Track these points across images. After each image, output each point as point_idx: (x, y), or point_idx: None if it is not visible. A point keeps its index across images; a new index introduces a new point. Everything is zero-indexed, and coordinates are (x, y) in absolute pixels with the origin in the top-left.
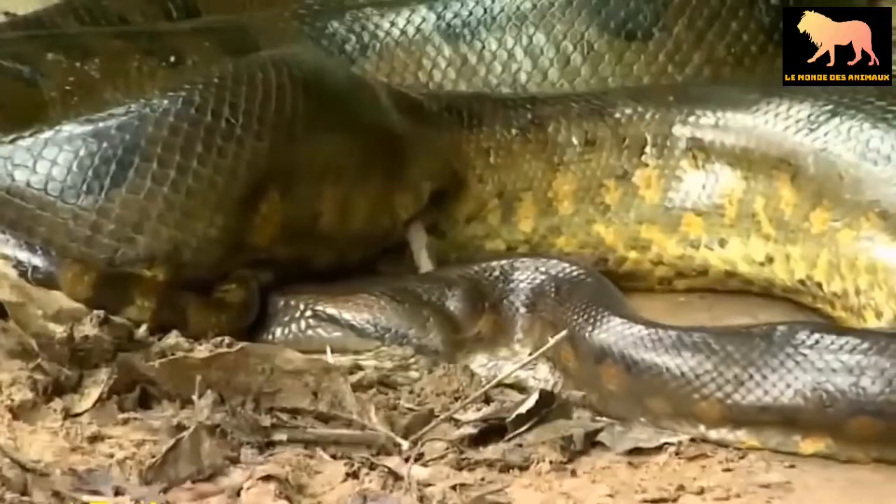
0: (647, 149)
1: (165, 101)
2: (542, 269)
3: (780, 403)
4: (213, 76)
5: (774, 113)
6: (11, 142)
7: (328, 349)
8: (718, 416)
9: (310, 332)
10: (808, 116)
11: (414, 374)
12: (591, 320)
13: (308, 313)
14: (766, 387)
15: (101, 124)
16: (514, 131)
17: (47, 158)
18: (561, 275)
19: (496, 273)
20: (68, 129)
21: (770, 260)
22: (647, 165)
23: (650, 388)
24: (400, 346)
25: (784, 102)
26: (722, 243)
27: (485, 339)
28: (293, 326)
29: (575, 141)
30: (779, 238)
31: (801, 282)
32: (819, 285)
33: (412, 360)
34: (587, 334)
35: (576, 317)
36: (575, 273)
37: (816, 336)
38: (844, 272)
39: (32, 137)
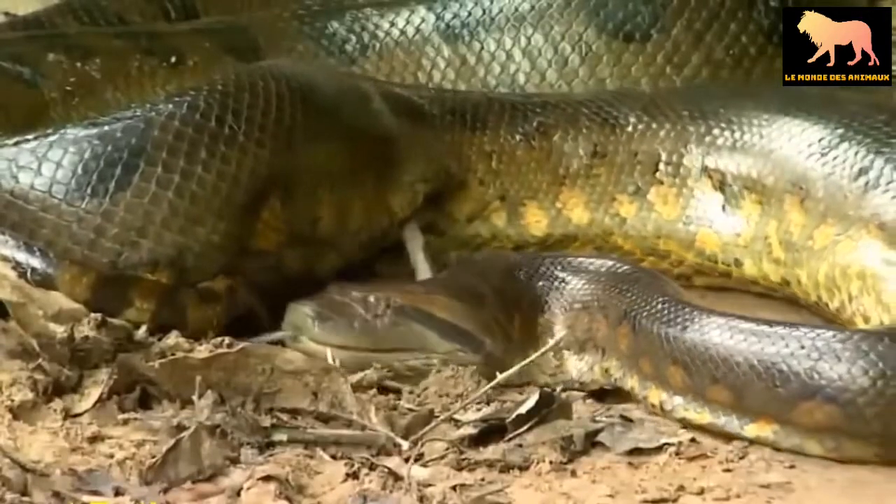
0: (661, 166)
1: (170, 106)
2: (557, 265)
3: (731, 378)
4: (216, 83)
5: (788, 137)
6: (16, 144)
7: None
8: (681, 384)
9: (393, 327)
10: (820, 140)
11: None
12: (619, 291)
13: (391, 309)
14: (721, 360)
15: (106, 127)
16: (517, 137)
17: (52, 161)
18: (578, 266)
19: (512, 274)
20: (73, 131)
21: (787, 283)
22: (661, 183)
23: (642, 348)
24: (475, 353)
25: (797, 124)
26: (738, 263)
27: (515, 343)
28: (378, 322)
29: (582, 152)
30: (787, 261)
31: (816, 303)
32: (826, 305)
33: (476, 368)
34: (617, 303)
35: (606, 292)
36: (590, 262)
37: (785, 324)
38: (840, 283)
39: (37, 140)
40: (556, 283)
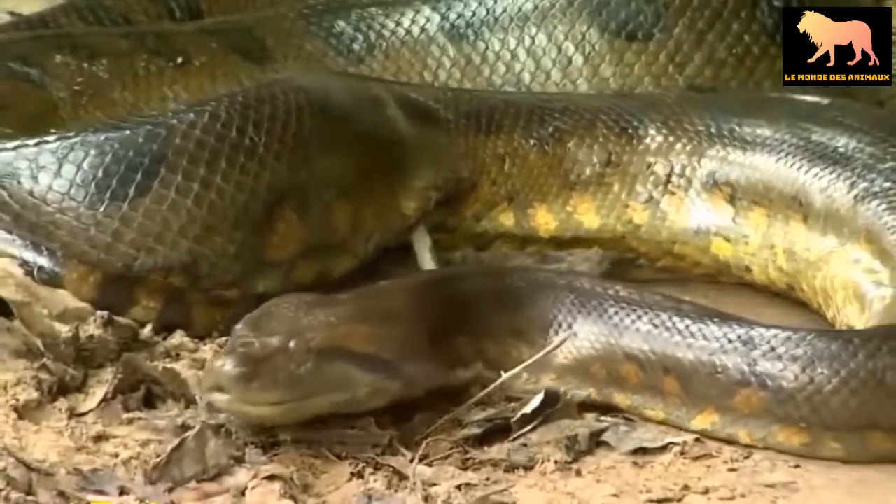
0: (674, 178)
1: (192, 115)
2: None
3: (680, 368)
4: (236, 95)
5: (795, 154)
6: (37, 144)
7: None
8: (636, 381)
9: (317, 372)
10: (822, 157)
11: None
12: (550, 304)
13: (312, 353)
14: (670, 351)
15: (127, 132)
16: (532, 142)
17: (73, 163)
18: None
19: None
20: (95, 135)
21: (792, 288)
22: (674, 194)
23: (591, 357)
24: (394, 379)
25: (803, 142)
26: (748, 270)
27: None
28: (302, 370)
29: (596, 160)
30: (789, 271)
31: (818, 310)
32: (825, 314)
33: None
34: (548, 316)
35: (536, 309)
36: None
37: (733, 318)
38: (830, 293)
39: (59, 141)
40: (496, 303)
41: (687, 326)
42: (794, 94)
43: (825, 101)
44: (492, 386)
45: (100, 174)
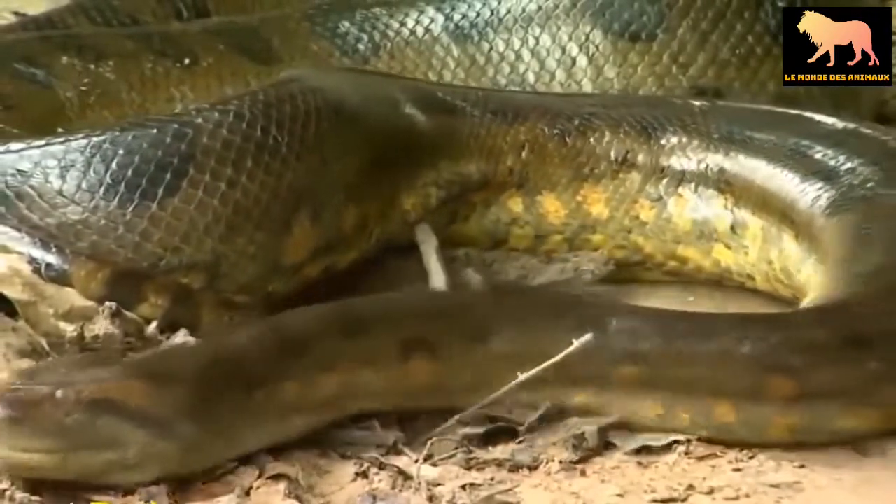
0: (684, 181)
1: (217, 114)
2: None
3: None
4: (257, 94)
5: (794, 172)
6: (64, 142)
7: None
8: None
9: (85, 423)
10: (815, 173)
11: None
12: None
13: (82, 403)
14: (543, 332)
15: (155, 131)
16: (555, 132)
17: (102, 162)
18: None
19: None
20: (123, 134)
21: (797, 298)
22: (681, 196)
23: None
24: (167, 438)
25: (805, 158)
26: (750, 278)
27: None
28: (69, 420)
29: (613, 156)
30: (790, 285)
31: None
32: None
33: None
34: (403, 336)
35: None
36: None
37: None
38: None
39: (87, 139)
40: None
41: (551, 310)
42: (816, 115)
43: (840, 124)
44: (501, 390)
45: (129, 174)
